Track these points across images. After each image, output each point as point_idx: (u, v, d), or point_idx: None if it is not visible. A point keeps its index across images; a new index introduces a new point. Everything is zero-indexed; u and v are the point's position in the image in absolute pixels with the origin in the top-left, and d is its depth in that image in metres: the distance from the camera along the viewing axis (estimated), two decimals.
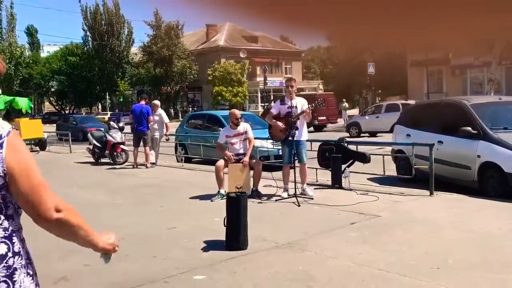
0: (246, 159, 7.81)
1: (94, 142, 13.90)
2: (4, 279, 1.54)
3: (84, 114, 57.26)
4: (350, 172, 8.57)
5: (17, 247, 1.59)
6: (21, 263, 1.60)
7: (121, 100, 58.38)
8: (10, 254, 1.56)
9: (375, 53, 40.41)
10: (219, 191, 7.72)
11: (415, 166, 8.27)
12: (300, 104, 7.64)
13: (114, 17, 55.21)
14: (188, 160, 13.56)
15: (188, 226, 6.12)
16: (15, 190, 1.58)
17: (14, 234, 1.60)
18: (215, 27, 56.40)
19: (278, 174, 8.51)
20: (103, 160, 13.72)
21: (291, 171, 7.56)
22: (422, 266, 4.30)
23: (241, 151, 8.06)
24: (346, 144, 8.75)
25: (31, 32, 66.49)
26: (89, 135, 14.57)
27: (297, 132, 7.48)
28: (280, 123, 7.64)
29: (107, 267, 2.20)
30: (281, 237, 5.38)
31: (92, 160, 14.09)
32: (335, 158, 8.36)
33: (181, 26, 50.37)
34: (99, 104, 65.07)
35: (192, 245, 5.19)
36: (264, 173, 8.33)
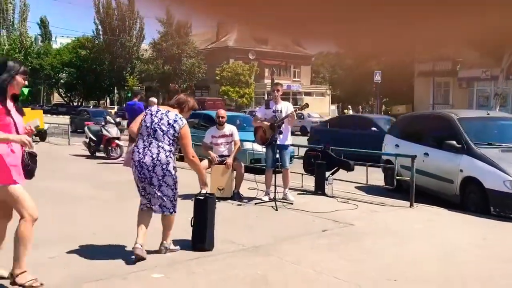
0: (229, 161, 7.85)
1: (90, 135, 14.01)
2: None
3: (91, 107, 57.58)
4: (339, 180, 8.59)
5: None
6: None
7: (129, 95, 58.61)
8: None
9: (382, 61, 40.37)
10: (200, 191, 7.73)
11: (397, 177, 8.26)
12: (285, 108, 7.67)
13: (127, 13, 55.53)
14: (181, 159, 13.59)
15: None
16: None
17: None
18: (226, 27, 56.48)
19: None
20: (98, 154, 13.82)
21: (273, 175, 7.59)
22: (381, 277, 4.31)
23: (226, 153, 8.10)
24: (331, 152, 8.75)
25: (44, 24, 67.04)
26: (85, 128, 14.70)
27: (281, 136, 7.51)
28: (266, 123, 7.63)
29: None
30: (249, 241, 5.41)
31: (87, 153, 14.20)
32: (320, 164, 8.38)
33: (189, 24, 50.52)
34: (107, 98, 65.39)
35: (159, 244, 5.22)
36: (251, 176, 8.37)
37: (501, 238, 5.77)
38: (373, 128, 14.52)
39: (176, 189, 4.92)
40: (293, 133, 8.80)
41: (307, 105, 8.03)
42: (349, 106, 38.44)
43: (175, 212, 4.95)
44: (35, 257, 4.62)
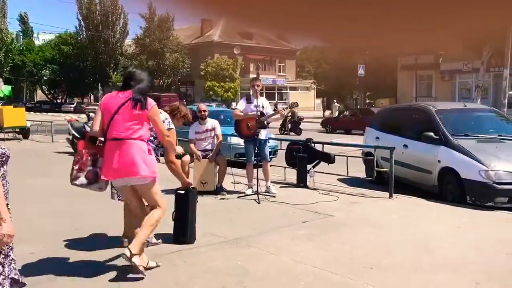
0: (212, 156, 7.94)
1: (73, 132, 13.94)
2: None
3: (75, 104, 57.09)
4: (322, 173, 8.72)
5: None
6: None
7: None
8: None
9: (365, 55, 40.66)
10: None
11: (376, 169, 8.43)
12: (266, 103, 7.79)
13: (110, 8, 55.02)
14: None
15: None
16: None
17: None
18: (210, 22, 56.38)
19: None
20: None
21: (255, 169, 7.70)
22: (357, 265, 4.44)
23: (209, 147, 8.18)
24: (313, 145, 8.89)
25: (23, 20, 66.13)
26: (68, 125, 14.63)
27: (261, 131, 7.63)
28: (251, 114, 7.68)
29: None
30: (231, 233, 5.51)
31: (71, 150, 14.14)
32: (301, 157, 8.51)
33: (171, 19, 50.24)
34: (91, 94, 64.84)
35: None
36: (235, 170, 8.47)
37: (475, 226, 5.95)
38: None
39: None
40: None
41: (296, 104, 8.12)
42: (335, 100, 38.68)
43: None
44: (18, 252, 4.67)
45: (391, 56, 37.84)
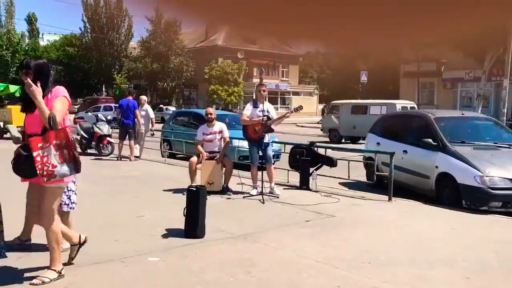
0: (219, 157, 8.28)
1: (82, 133, 14.32)
2: None
3: (79, 105, 57.47)
4: (324, 176, 9.04)
5: None
6: None
7: (117, 93, 58.67)
8: None
9: (368, 62, 41.02)
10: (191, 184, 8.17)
11: (376, 173, 8.76)
12: (271, 108, 8.14)
13: (115, 10, 55.49)
14: (172, 156, 14.00)
15: (156, 216, 6.57)
16: None
17: None
18: (215, 26, 56.85)
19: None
20: (89, 151, 14.14)
21: (260, 171, 8.05)
22: (356, 261, 4.77)
23: (216, 149, 8.51)
24: (316, 148, 9.22)
25: (31, 20, 66.71)
26: (77, 125, 15.00)
27: (266, 134, 7.98)
28: (257, 119, 8.02)
29: None
30: (238, 230, 5.85)
31: (79, 150, 14.48)
32: (304, 160, 8.83)
33: (178, 22, 50.79)
34: (95, 95, 65.28)
35: (154, 232, 5.64)
36: (240, 172, 8.81)
37: (469, 227, 6.27)
38: None
39: None
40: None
41: (301, 107, 8.46)
42: None
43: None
44: (38, 244, 5.02)
45: (394, 63, 38.16)
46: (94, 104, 39.59)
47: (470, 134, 8.71)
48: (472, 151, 7.88)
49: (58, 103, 3.94)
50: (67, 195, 4.86)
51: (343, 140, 23.35)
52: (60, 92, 4.01)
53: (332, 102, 29.43)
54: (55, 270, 4.10)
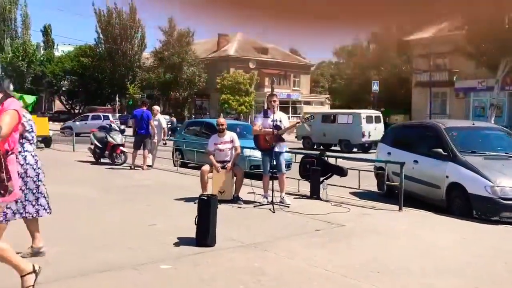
0: (230, 165, 8.38)
1: (96, 142, 14.53)
2: None
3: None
4: (335, 185, 9.07)
5: None
6: None
7: (130, 103, 59.31)
8: None
9: (380, 71, 41.05)
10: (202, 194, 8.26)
11: (387, 183, 8.78)
12: (283, 118, 8.21)
13: (129, 22, 56.18)
14: (184, 165, 14.12)
15: (168, 224, 6.67)
16: None
17: None
18: (227, 36, 57.38)
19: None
20: (103, 160, 14.34)
21: (271, 180, 8.12)
22: (365, 269, 4.81)
23: (227, 158, 8.61)
24: (326, 158, 9.27)
25: (46, 31, 67.81)
26: (91, 135, 15.22)
27: (278, 144, 8.05)
28: (269, 130, 8.11)
29: None
30: (248, 238, 5.91)
31: (92, 159, 14.71)
32: (315, 170, 8.89)
33: (192, 33, 51.35)
34: (108, 105, 65.94)
35: (166, 240, 5.73)
36: (253, 182, 8.89)
37: (479, 237, 6.27)
38: None
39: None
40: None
41: (312, 117, 8.54)
42: None
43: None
44: (53, 251, 5.14)
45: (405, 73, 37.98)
46: (94, 112, 40.49)
47: (481, 144, 8.70)
48: (483, 161, 7.88)
49: (7, 116, 3.79)
50: (23, 204, 4.80)
51: (315, 147, 25.25)
52: (12, 105, 3.85)
53: (305, 111, 31.27)
54: (28, 274, 3.93)
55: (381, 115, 25.68)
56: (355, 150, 23.66)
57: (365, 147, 23.66)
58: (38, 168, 4.94)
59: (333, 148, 24.05)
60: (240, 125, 15.14)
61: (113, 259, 5.01)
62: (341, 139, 23.62)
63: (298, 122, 8.78)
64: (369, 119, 23.97)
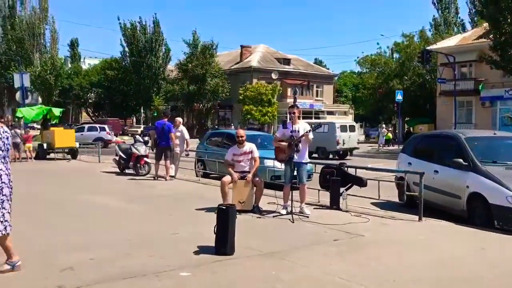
0: (250, 176, 8.51)
1: (120, 153, 14.90)
2: None
3: None
4: (356, 196, 9.10)
5: None
6: None
7: (155, 114, 60.26)
8: None
9: (404, 80, 40.74)
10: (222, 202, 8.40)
11: (406, 193, 8.77)
12: (302, 128, 8.29)
13: (154, 35, 57.25)
14: (206, 176, 14.31)
15: (189, 233, 6.84)
16: None
17: None
18: (249, 48, 57.94)
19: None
20: (127, 171, 14.67)
21: (291, 191, 8.21)
22: (380, 278, 4.86)
23: (247, 169, 8.75)
24: (346, 169, 9.32)
25: (73, 45, 69.65)
26: (116, 146, 15.61)
27: (297, 154, 8.14)
28: (284, 143, 8.25)
29: None
30: (267, 247, 6.02)
31: (117, 170, 15.07)
32: (334, 180, 8.94)
33: (215, 45, 52.08)
34: (134, 117, 67.11)
35: (187, 249, 5.88)
36: (271, 192, 8.99)
37: (499, 248, 6.24)
38: None
39: None
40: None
41: (319, 126, 8.61)
42: (383, 125, 40.51)
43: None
44: (78, 258, 5.35)
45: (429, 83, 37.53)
46: (102, 124, 41.70)
47: (503, 154, 8.63)
48: (504, 171, 7.83)
49: None
50: None
51: None
52: None
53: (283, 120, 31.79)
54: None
55: (355, 124, 27.52)
56: (331, 156, 25.19)
57: (340, 154, 25.61)
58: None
59: (313, 155, 24.18)
60: (261, 136, 15.27)
61: (136, 267, 5.18)
62: (318, 146, 24.49)
63: (306, 132, 8.79)
64: (343, 128, 25.86)
